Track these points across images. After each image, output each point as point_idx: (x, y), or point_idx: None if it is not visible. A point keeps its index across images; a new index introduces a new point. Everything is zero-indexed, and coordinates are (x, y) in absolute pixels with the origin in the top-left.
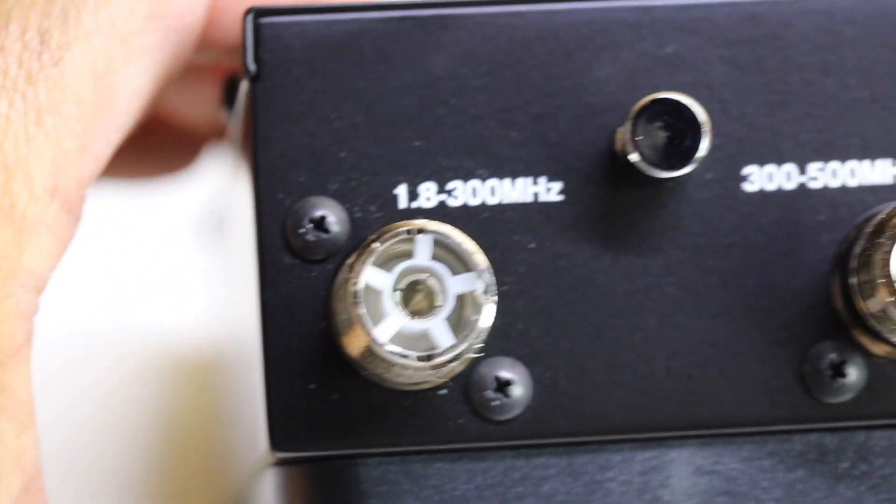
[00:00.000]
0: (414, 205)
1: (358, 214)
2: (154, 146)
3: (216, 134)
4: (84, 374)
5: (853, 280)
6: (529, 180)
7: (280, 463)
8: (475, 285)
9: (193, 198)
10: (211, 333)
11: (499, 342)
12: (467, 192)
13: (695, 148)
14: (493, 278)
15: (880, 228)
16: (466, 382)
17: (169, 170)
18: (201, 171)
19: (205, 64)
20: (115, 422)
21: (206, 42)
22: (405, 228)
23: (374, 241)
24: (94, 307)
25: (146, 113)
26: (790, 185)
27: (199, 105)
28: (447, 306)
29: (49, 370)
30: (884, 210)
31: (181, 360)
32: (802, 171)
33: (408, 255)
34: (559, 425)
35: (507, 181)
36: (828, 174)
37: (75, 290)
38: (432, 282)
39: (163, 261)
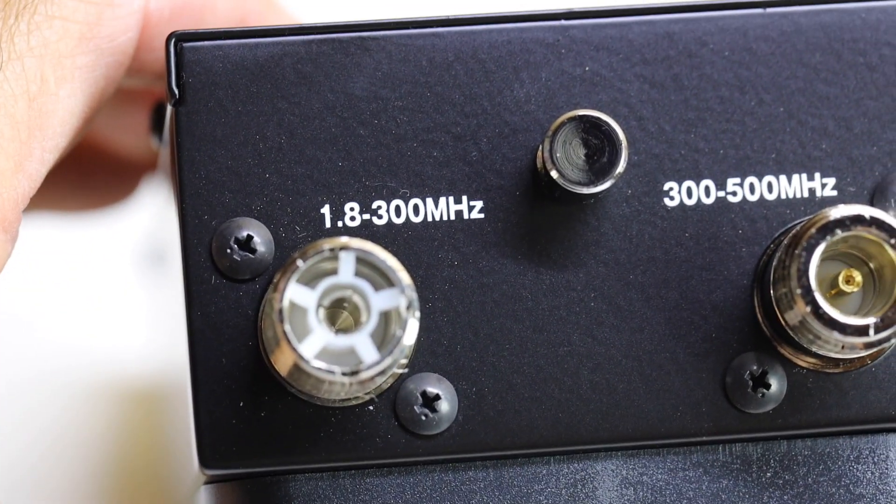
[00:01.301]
0: (339, 224)
1: (283, 234)
2: (91, 177)
3: (151, 164)
4: (26, 402)
5: (772, 292)
6: (452, 199)
7: (211, 481)
8: (398, 301)
9: (135, 229)
10: (154, 362)
11: (425, 358)
12: (391, 212)
13: (613, 164)
14: (416, 294)
15: (796, 241)
16: (394, 398)
17: (107, 201)
18: (141, 201)
19: (137, 89)
20: (58, 449)
21: (137, 66)
22: (328, 246)
23: (297, 258)
24: (37, 337)
25: (80, 135)
26: (709, 200)
27: (133, 133)
28: (371, 322)
29: None
30: (800, 223)
31: (124, 388)
32: (721, 186)
33: (332, 272)
34: (486, 439)
35: (430, 200)
36: (746, 189)
37: (19, 321)
38: (356, 298)
39: (106, 291)
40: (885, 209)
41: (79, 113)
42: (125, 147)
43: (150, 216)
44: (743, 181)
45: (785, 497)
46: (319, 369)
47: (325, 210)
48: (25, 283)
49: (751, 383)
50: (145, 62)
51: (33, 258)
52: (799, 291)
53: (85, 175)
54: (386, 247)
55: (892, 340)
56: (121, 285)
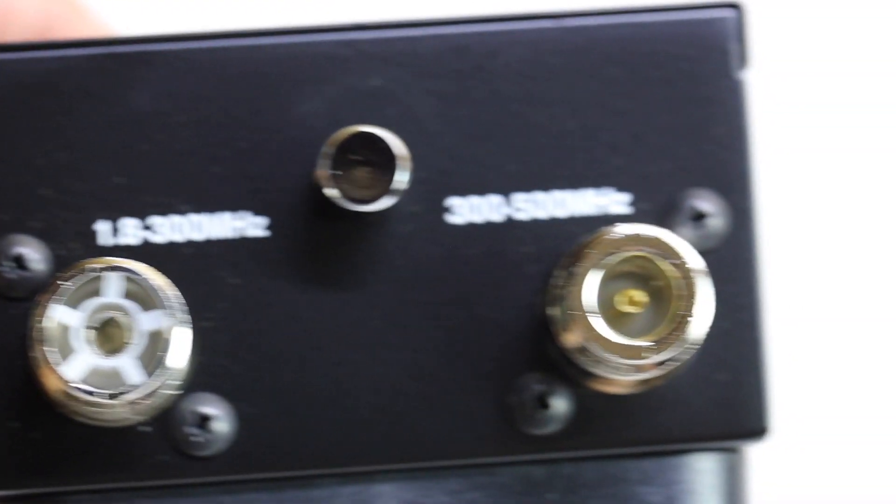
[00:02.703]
0: (116, 241)
1: (60, 252)
2: None
3: None
4: None
5: (554, 312)
6: (233, 215)
7: None
8: (164, 322)
9: None
10: None
11: (202, 378)
12: (171, 228)
13: (392, 181)
14: (187, 315)
15: (573, 261)
16: (169, 419)
17: None
18: None
19: None
20: None
21: None
22: (91, 266)
23: (61, 279)
24: None
25: None
26: (496, 217)
27: None
28: (138, 343)
29: None
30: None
31: None
32: (508, 202)
33: (99, 292)
34: (263, 461)
35: (211, 217)
36: (533, 205)
37: None
38: (124, 319)
39: None
40: (678, 225)
41: None
42: None
43: None
44: (531, 197)
45: None
46: (81, 391)
47: (101, 227)
48: None
49: (533, 404)
50: None
51: None
52: (575, 313)
53: None
54: (164, 264)
55: (675, 362)
56: None
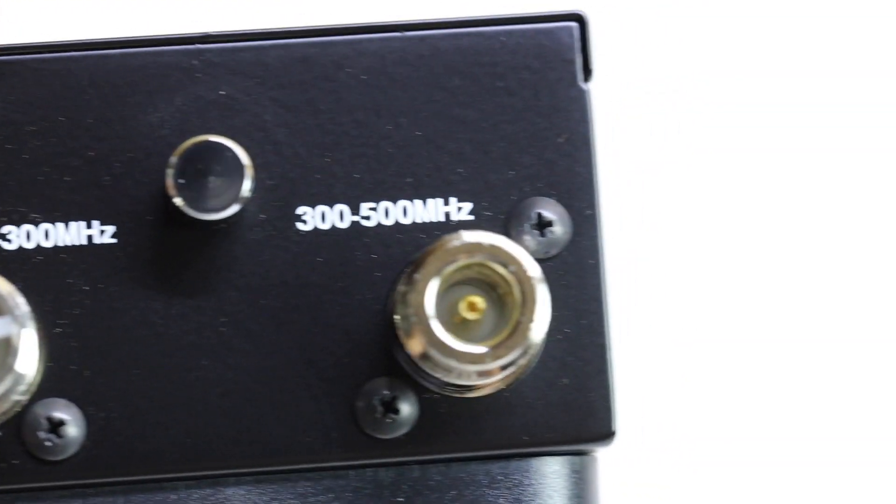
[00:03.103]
0: None
1: None
2: None
3: None
4: None
5: (398, 318)
6: (83, 224)
7: None
8: (11, 329)
9: None
10: None
11: (53, 383)
12: (21, 236)
13: (238, 191)
14: (33, 321)
15: (416, 267)
16: (20, 423)
17: None
18: None
19: None
20: None
21: None
22: None
23: None
24: None
25: None
26: (343, 225)
27: None
28: None
29: None
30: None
31: None
32: (355, 210)
33: None
34: (114, 465)
35: (60, 225)
36: (381, 213)
37: None
38: None
39: None
40: (521, 233)
41: None
42: None
43: None
44: (378, 205)
45: None
46: None
47: None
48: None
49: (381, 408)
50: None
51: None
52: (415, 320)
53: None
54: (15, 272)
55: (516, 367)
56: None
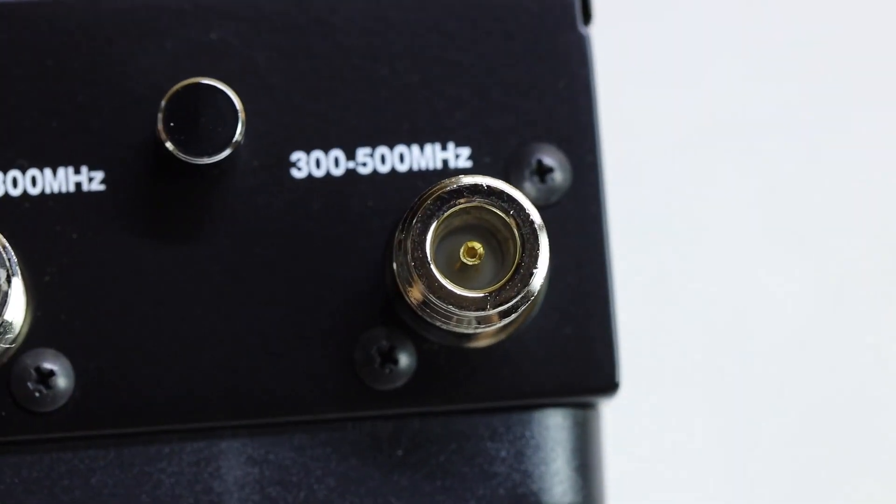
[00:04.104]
0: None
1: None
2: None
3: None
4: None
5: (396, 266)
6: (71, 170)
7: None
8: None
9: None
10: None
11: (42, 333)
12: (7, 183)
13: (230, 134)
14: (17, 267)
15: (412, 213)
16: (8, 375)
17: None
18: None
19: None
20: None
21: None
22: None
23: None
24: None
25: None
26: (338, 172)
27: None
28: None
29: None
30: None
31: None
32: (351, 156)
33: None
34: (105, 417)
35: (48, 171)
36: (377, 160)
37: None
38: None
39: None
40: (520, 179)
41: None
42: None
43: None
44: (374, 152)
45: (416, 476)
46: None
47: None
48: None
49: (379, 359)
50: None
51: None
52: (413, 264)
53: None
54: (2, 219)
55: (516, 314)
56: None
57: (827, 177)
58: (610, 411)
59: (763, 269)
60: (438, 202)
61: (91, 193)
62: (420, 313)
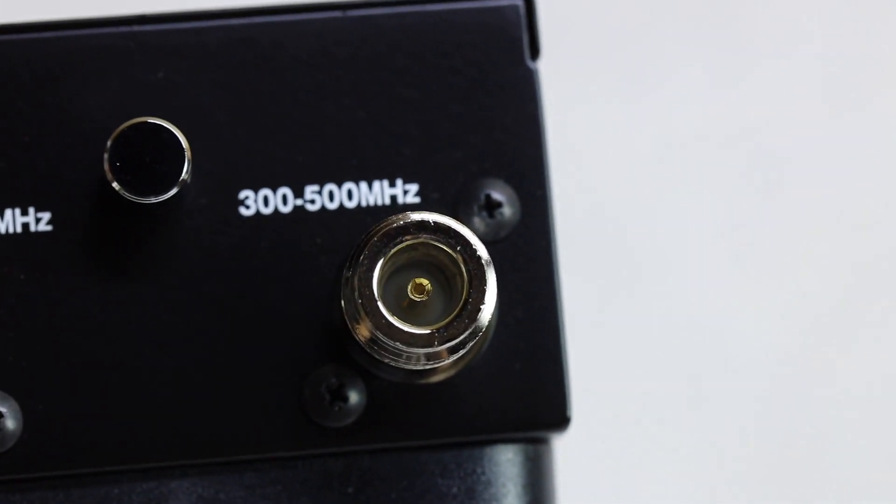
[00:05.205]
0: None
1: None
2: None
3: None
4: None
5: (343, 304)
6: (18, 211)
7: None
8: None
9: None
10: None
11: None
12: None
13: (177, 173)
14: None
15: (359, 251)
16: None
17: None
18: None
19: None
20: None
21: None
22: None
23: None
24: None
25: None
26: (287, 209)
27: None
28: None
29: None
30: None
31: None
32: (299, 194)
33: None
34: (53, 458)
35: None
36: (325, 196)
37: None
38: None
39: None
40: (469, 215)
41: None
42: None
43: None
44: (322, 189)
45: None
46: None
47: None
48: None
49: (328, 397)
50: None
51: None
52: (361, 302)
53: None
54: None
55: (465, 350)
56: None
57: (784, 207)
58: (562, 446)
59: (721, 300)
60: (385, 239)
61: (38, 234)
62: (368, 350)
